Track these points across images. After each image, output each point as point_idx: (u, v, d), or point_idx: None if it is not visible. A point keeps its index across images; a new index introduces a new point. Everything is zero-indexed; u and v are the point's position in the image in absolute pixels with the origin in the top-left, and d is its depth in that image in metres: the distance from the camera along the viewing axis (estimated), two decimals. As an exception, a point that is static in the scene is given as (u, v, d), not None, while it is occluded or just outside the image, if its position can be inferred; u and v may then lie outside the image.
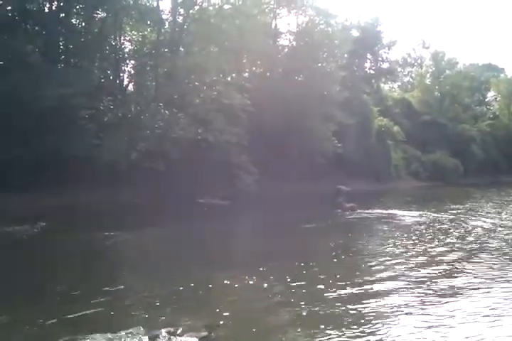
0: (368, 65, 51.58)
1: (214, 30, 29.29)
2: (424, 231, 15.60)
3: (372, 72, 51.88)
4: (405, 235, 14.73)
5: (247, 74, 38.08)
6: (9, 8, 24.32)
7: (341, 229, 17.32)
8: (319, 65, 38.21)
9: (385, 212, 21.35)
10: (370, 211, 21.23)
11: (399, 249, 12.65)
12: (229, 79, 33.55)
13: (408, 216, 20.15)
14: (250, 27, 31.75)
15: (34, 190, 19.29)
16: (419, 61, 77.62)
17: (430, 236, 14.37)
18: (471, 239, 14.01)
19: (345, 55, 42.70)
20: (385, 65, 53.30)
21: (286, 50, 39.35)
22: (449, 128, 60.66)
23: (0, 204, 17.51)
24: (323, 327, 7.05)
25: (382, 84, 59.05)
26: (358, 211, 20.56)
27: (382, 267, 10.52)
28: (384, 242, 13.72)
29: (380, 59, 52.18)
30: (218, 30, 29.38)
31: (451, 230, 15.77)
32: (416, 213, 21.06)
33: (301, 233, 15.62)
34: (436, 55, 66.98)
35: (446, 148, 57.67)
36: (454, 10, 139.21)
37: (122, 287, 9.45)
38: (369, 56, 50.72)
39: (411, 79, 77.56)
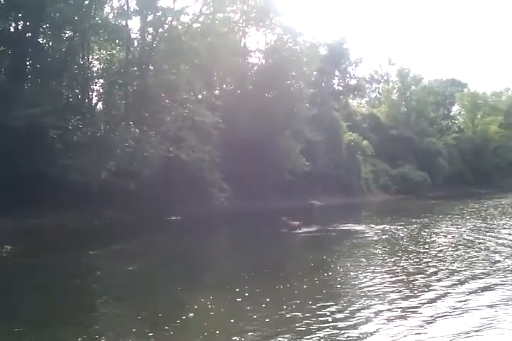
0: (336, 81, 52.56)
1: (184, 48, 29.36)
2: (375, 250, 15.30)
3: (340, 88, 52.83)
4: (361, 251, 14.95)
5: (217, 91, 38.34)
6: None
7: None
8: (288, 82, 38.70)
9: (344, 228, 21.53)
10: (317, 228, 21.12)
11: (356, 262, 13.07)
12: (200, 96, 33.64)
13: (364, 230, 20.63)
14: (220, 45, 32.05)
15: (7, 212, 18.72)
16: (385, 77, 79.82)
17: (381, 257, 14.16)
18: (420, 255, 14.19)
19: (314, 73, 43.58)
20: (353, 82, 54.42)
21: (255, 67, 39.82)
22: (416, 142, 62.09)
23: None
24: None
25: (350, 100, 60.21)
26: (307, 229, 20.11)
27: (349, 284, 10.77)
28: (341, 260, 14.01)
29: (348, 76, 53.27)
30: (188, 48, 29.46)
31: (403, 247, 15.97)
32: (375, 227, 21.52)
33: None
34: (402, 71, 68.84)
35: (414, 162, 58.96)
36: (418, 28, 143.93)
37: (90, 310, 9.28)
38: (337, 73, 51.69)
39: (378, 95, 79.47)
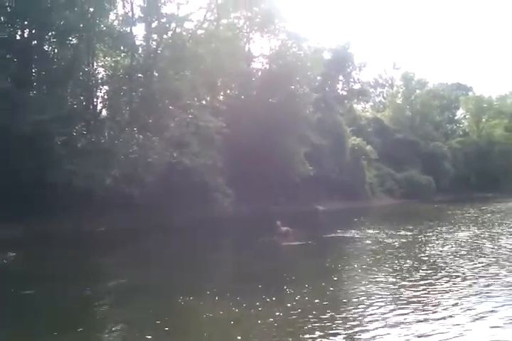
0: (340, 86, 52.52)
1: (188, 54, 29.58)
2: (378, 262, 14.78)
3: (344, 93, 52.82)
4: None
5: (221, 96, 38.52)
6: (-21, 36, 24.18)
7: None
8: (292, 87, 38.82)
9: (346, 234, 21.08)
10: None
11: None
12: (204, 102, 33.82)
13: (368, 236, 20.43)
14: (224, 51, 32.23)
15: (4, 218, 18.85)
16: (390, 82, 79.80)
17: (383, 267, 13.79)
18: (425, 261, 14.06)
19: (318, 77, 43.67)
20: (357, 86, 54.33)
21: (259, 72, 39.98)
22: (421, 146, 61.92)
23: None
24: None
25: (354, 105, 60.17)
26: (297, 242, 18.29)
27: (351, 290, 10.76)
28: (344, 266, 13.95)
29: (352, 80, 53.26)
30: (192, 54, 29.67)
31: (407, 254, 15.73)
32: (379, 233, 21.36)
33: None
34: (407, 75, 68.82)
35: (419, 166, 58.80)
36: (422, 32, 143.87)
37: (94, 315, 9.39)
38: (341, 77, 51.71)
39: (383, 99, 79.44)
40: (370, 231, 22.65)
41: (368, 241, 18.96)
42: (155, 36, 30.98)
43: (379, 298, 9.75)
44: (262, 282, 11.30)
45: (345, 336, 7.54)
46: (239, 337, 7.60)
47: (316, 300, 9.63)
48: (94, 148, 24.73)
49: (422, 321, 8.14)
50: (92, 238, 19.32)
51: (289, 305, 9.28)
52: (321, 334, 7.60)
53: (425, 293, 10.05)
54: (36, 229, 19.12)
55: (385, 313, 8.63)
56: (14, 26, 24.80)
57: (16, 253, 15.10)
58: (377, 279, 11.62)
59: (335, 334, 7.61)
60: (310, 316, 8.47)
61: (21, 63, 24.21)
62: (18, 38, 25.07)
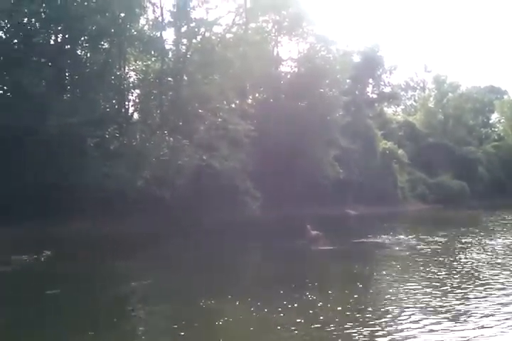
0: (370, 89, 52.03)
1: (217, 58, 29.78)
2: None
3: (374, 96, 52.24)
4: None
5: (250, 100, 38.56)
6: (16, 41, 24.88)
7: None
8: (321, 90, 38.63)
9: (377, 240, 20.57)
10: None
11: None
12: (233, 105, 33.91)
13: (399, 242, 19.89)
14: (253, 54, 32.33)
15: (40, 219, 19.26)
16: (421, 85, 78.47)
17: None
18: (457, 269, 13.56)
19: (347, 80, 43.27)
20: (387, 89, 53.86)
21: (288, 76, 39.94)
22: (454, 150, 60.49)
23: (6, 234, 17.52)
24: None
25: (385, 108, 59.43)
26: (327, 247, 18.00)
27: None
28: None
29: (382, 83, 52.78)
30: (221, 58, 29.85)
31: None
32: (411, 238, 20.82)
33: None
34: (439, 78, 67.58)
35: (452, 170, 57.37)
36: (454, 34, 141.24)
37: (121, 313, 9.38)
38: (371, 81, 51.19)
39: (414, 103, 78.13)
40: (401, 236, 22.14)
41: (399, 247, 18.46)
42: (184, 40, 31.27)
43: (407, 307, 9.27)
44: (286, 287, 11.00)
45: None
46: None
47: (339, 308, 9.26)
48: (126, 150, 25.11)
49: (452, 331, 7.69)
50: (122, 240, 19.40)
51: (311, 311, 8.95)
52: None
53: (457, 303, 9.58)
54: (66, 230, 19.38)
55: (412, 324, 8.17)
56: (48, 32, 25.45)
57: (51, 252, 15.34)
58: (407, 287, 11.18)
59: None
60: (332, 325, 8.10)
61: (55, 67, 24.82)
62: (52, 43, 25.70)
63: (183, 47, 31.27)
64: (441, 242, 19.75)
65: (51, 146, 21.43)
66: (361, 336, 7.60)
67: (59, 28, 25.45)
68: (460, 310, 9.02)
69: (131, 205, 22.90)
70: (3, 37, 25.22)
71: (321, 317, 8.53)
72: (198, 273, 13.19)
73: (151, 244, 18.97)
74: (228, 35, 34.91)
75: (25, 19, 24.54)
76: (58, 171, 21.33)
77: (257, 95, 39.67)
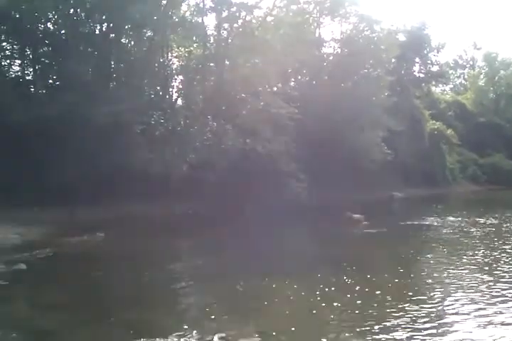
0: (416, 68, 50.38)
1: (258, 42, 29.67)
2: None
3: (421, 75, 50.61)
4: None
5: (292, 83, 38.23)
6: (63, 32, 25.64)
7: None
8: (365, 71, 37.85)
9: (424, 222, 20.22)
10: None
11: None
12: (275, 88, 33.75)
13: (448, 224, 19.40)
14: (294, 36, 31.93)
15: (92, 203, 20.04)
16: (471, 62, 75.38)
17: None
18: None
19: (393, 60, 42.08)
20: (435, 68, 51.83)
21: (331, 57, 39.23)
22: (506, 130, 58.17)
23: (62, 218, 18.45)
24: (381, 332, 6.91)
25: (433, 87, 57.55)
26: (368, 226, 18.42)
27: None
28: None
29: (429, 62, 50.89)
30: (262, 41, 29.72)
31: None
32: (460, 221, 20.21)
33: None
34: (489, 55, 64.82)
35: (505, 150, 55.32)
36: (504, 8, 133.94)
37: (176, 293, 9.67)
38: (417, 60, 49.57)
39: (463, 81, 75.26)
40: (451, 218, 21.62)
41: (447, 230, 18.03)
42: (226, 25, 31.27)
43: (452, 294, 8.93)
44: (327, 270, 10.98)
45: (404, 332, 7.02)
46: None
47: (378, 292, 9.06)
48: (171, 136, 25.55)
49: (498, 317, 7.42)
50: (168, 223, 19.98)
51: (348, 295, 8.85)
52: (378, 331, 7.06)
53: (507, 289, 9.15)
54: (119, 213, 20.06)
55: (456, 312, 7.84)
56: (94, 21, 26.03)
57: (105, 234, 16.01)
58: (453, 272, 10.79)
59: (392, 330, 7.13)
60: (370, 311, 7.94)
61: (101, 56, 25.42)
62: (97, 32, 26.29)
63: (225, 32, 31.29)
64: (492, 225, 19.17)
65: (101, 134, 22.03)
66: (401, 320, 7.49)
67: (103, 17, 25.96)
68: (509, 297, 8.65)
69: (176, 190, 23.34)
70: (52, 28, 26.04)
71: (359, 301, 8.47)
72: (244, 255, 13.37)
73: (196, 228, 19.38)
74: (269, 18, 34.61)
75: (72, 10, 25.14)
76: (109, 158, 21.95)
77: (299, 77, 39.27)
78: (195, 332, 7.03)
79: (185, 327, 7.31)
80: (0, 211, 17.77)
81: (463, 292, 9.08)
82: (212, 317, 7.91)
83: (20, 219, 17.23)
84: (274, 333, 7.03)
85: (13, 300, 8.94)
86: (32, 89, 25.78)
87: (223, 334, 6.84)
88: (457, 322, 7.37)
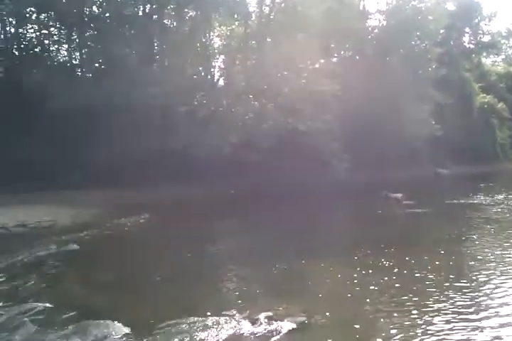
0: (466, 39, 48.39)
1: (300, 17, 29.12)
2: None
3: (471, 46, 48.50)
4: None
5: (335, 58, 37.46)
6: (108, 15, 26.06)
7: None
8: (412, 42, 36.61)
9: (470, 201, 19.56)
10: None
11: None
12: (317, 65, 33.20)
13: (496, 203, 18.66)
14: (337, 10, 31.13)
15: (137, 185, 20.70)
16: (525, 31, 71.08)
17: None
18: None
19: (441, 31, 40.43)
20: (486, 38, 49.56)
21: (376, 30, 38.11)
22: None
23: (109, 201, 19.19)
24: (420, 316, 6.94)
25: (483, 59, 55.01)
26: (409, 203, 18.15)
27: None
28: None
29: (480, 32, 48.63)
30: (304, 17, 29.15)
31: None
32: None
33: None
34: (546, 22, 60.89)
35: (562, 124, 52.48)
36: None
37: (220, 273, 10.03)
38: (467, 30, 47.46)
39: (517, 51, 71.28)
40: (500, 197, 20.93)
41: (497, 209, 17.36)
42: (267, 1, 30.89)
43: (498, 278, 8.57)
44: (365, 251, 10.89)
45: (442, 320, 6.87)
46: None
47: (418, 275, 8.92)
48: (213, 116, 25.76)
49: None
50: (212, 203, 20.32)
51: (386, 278, 8.72)
52: (415, 317, 6.95)
53: None
54: (161, 195, 20.64)
55: (502, 301, 7.50)
56: (137, 2, 26.28)
57: (150, 215, 16.58)
58: (501, 255, 10.31)
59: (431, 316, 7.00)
60: (410, 294, 7.82)
61: (144, 38, 25.72)
62: (140, 13, 26.56)
63: (266, 8, 30.92)
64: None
65: (146, 116, 22.51)
66: (441, 306, 7.40)
67: (146, -2, 26.21)
68: None
69: (219, 170, 23.68)
70: (97, 12, 26.51)
71: (398, 285, 8.39)
72: (286, 236, 13.43)
73: (240, 208, 19.69)
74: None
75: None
76: (154, 140, 22.47)
77: (342, 53, 38.42)
78: (241, 310, 7.24)
79: (232, 306, 7.53)
80: (48, 193, 18.77)
81: (510, 277, 8.80)
82: (259, 296, 8.17)
83: (69, 201, 18.08)
84: (320, 313, 7.14)
85: (66, 278, 9.50)
86: (79, 73, 26.53)
87: (270, 313, 7.02)
88: (502, 310, 7.16)
